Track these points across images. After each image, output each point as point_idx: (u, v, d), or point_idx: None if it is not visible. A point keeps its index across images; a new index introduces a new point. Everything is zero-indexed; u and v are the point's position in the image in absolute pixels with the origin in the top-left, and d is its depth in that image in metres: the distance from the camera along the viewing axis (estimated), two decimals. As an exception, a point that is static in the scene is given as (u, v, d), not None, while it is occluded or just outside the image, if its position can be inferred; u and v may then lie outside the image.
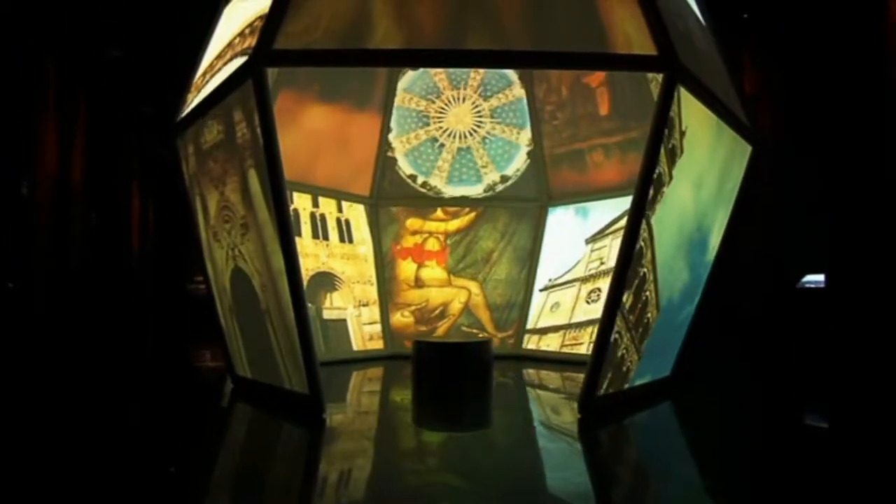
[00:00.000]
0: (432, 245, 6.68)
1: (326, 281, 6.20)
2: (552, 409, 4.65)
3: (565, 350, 6.20)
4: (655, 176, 3.88)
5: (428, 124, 6.50)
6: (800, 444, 3.66)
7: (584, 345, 6.11)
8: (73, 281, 9.51)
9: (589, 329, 6.13)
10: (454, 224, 6.71)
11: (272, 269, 3.92)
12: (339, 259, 6.36)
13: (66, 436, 3.66)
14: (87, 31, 9.86)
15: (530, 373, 5.83)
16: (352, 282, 6.38)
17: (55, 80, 9.37)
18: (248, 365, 4.69)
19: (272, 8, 3.85)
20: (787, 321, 8.41)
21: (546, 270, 6.69)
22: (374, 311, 6.52)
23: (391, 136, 6.47)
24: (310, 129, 6.12)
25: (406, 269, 6.69)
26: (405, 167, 6.52)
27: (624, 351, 4.11)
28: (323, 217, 6.33)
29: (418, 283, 6.66)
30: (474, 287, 6.65)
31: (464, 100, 6.47)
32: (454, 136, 6.56)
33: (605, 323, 3.80)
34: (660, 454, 3.53)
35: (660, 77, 3.81)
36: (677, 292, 4.57)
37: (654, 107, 3.79)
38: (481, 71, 6.44)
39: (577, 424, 3.83)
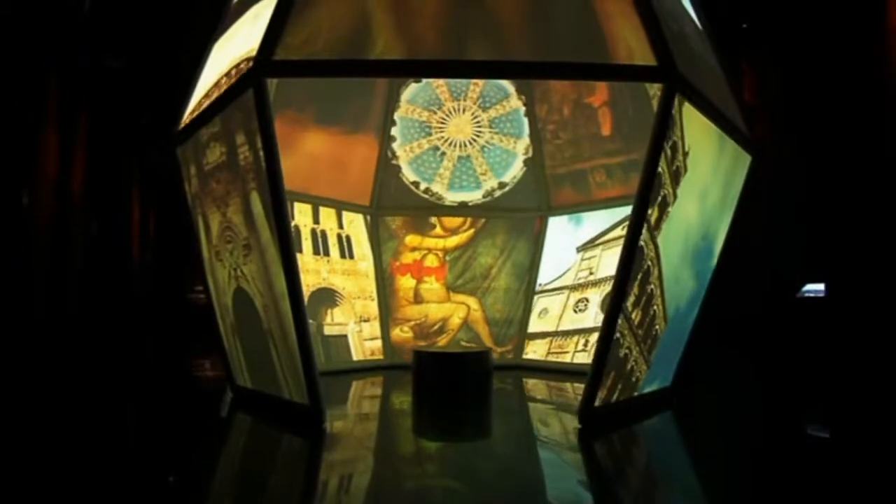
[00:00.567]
0: (431, 261, 6.79)
1: (327, 297, 6.26)
2: (552, 419, 4.64)
3: (551, 358, 6.32)
4: (660, 197, 3.95)
5: (430, 134, 6.70)
6: (801, 453, 3.65)
7: (569, 354, 6.22)
8: (74, 290, 9.52)
9: (575, 338, 6.23)
10: (453, 241, 6.83)
11: (275, 290, 3.94)
12: (340, 275, 6.43)
13: (66, 444, 3.65)
14: (89, 41, 9.90)
15: (529, 383, 5.82)
16: (352, 297, 6.45)
17: (56, 89, 9.41)
18: (251, 381, 4.68)
19: (272, 20, 3.86)
20: (787, 331, 8.41)
21: (539, 276, 6.81)
22: (374, 327, 6.58)
23: (395, 146, 6.67)
24: (309, 143, 6.18)
25: (405, 284, 6.78)
26: (409, 174, 6.70)
27: (633, 363, 4.19)
28: (324, 233, 6.40)
29: (417, 298, 6.75)
30: (473, 303, 6.74)
31: (464, 111, 6.67)
32: (455, 145, 6.75)
33: (605, 336, 3.81)
34: (659, 465, 3.53)
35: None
36: (684, 301, 4.66)
37: (654, 117, 3.80)
38: (480, 83, 6.62)
39: (576, 435, 3.82)
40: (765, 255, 9.15)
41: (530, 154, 6.68)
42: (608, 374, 3.95)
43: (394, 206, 6.89)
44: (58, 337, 8.66)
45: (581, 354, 6.14)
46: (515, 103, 6.65)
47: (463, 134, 6.71)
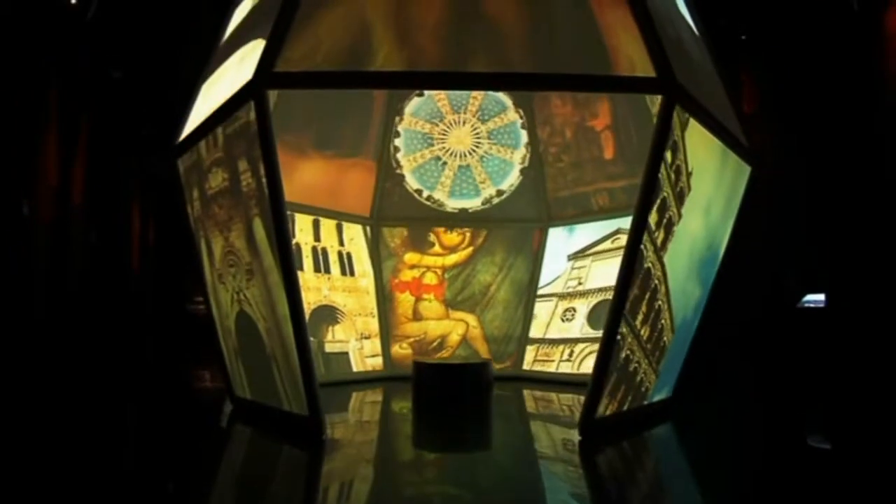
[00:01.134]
0: (430, 279, 6.90)
1: (328, 314, 6.31)
2: (552, 430, 4.64)
3: (537, 367, 6.48)
4: (665, 219, 4.03)
5: (432, 145, 6.95)
6: (803, 465, 3.64)
7: (553, 362, 6.36)
8: (73, 300, 9.51)
9: (560, 347, 6.38)
10: (452, 259, 6.95)
11: (277, 315, 3.97)
12: (341, 292, 6.48)
13: (65, 454, 3.65)
14: (90, 51, 9.94)
15: (529, 394, 5.81)
16: (353, 315, 6.51)
17: (57, 99, 9.44)
18: (250, 393, 4.68)
19: (272, 34, 3.87)
20: (788, 341, 8.40)
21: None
22: (375, 344, 6.65)
23: (399, 156, 6.91)
24: (308, 165, 6.32)
25: (404, 302, 6.87)
26: (412, 182, 6.92)
27: (643, 375, 4.28)
28: (324, 251, 6.46)
29: (416, 315, 6.85)
30: (472, 320, 6.84)
31: (464, 123, 6.92)
32: (455, 155, 6.98)
33: (604, 351, 3.83)
34: (658, 478, 3.53)
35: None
36: (690, 309, 4.77)
37: (654, 129, 3.81)
38: (479, 97, 6.86)
39: (576, 447, 3.81)
40: (765, 266, 9.15)
41: (526, 163, 6.92)
42: (618, 386, 4.04)
43: (395, 217, 7.01)
44: (57, 345, 8.65)
45: (566, 364, 6.28)
46: (512, 116, 6.89)
47: (463, 145, 6.95)
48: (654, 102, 4.50)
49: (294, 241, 6.02)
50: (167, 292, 11.26)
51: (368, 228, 6.92)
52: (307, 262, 6.24)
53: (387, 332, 6.73)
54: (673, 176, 3.99)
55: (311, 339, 4.78)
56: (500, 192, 6.94)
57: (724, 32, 9.13)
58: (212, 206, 4.58)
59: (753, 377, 7.28)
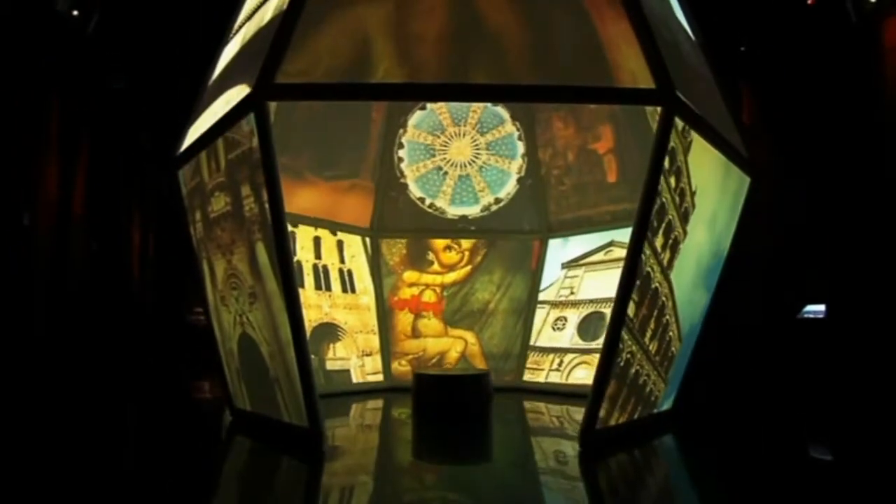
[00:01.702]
0: (429, 297, 7.04)
1: (329, 332, 6.37)
2: (552, 441, 4.63)
3: (528, 377, 6.64)
4: (671, 239, 4.11)
5: (434, 155, 7.25)
6: (805, 477, 3.63)
7: (543, 371, 6.52)
8: (74, 309, 9.50)
9: (550, 356, 6.55)
10: (450, 277, 7.10)
11: (280, 340, 3.99)
12: (342, 309, 6.55)
13: (64, 464, 3.64)
14: (91, 62, 9.97)
15: (529, 405, 5.81)
16: (354, 332, 6.59)
17: (57, 110, 9.46)
18: (250, 405, 4.68)
19: (272, 46, 3.87)
20: (788, 352, 8.38)
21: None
22: (376, 361, 6.72)
23: (403, 166, 7.18)
24: (308, 180, 6.45)
25: (403, 319, 6.99)
26: (415, 191, 7.20)
27: (653, 385, 4.39)
28: (325, 268, 6.53)
29: (415, 333, 6.96)
30: (470, 337, 6.96)
31: (464, 135, 7.23)
32: (456, 166, 7.27)
33: (604, 362, 3.85)
34: (658, 489, 3.51)
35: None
36: (697, 317, 4.88)
37: (653, 141, 3.83)
38: (479, 111, 7.15)
39: (576, 458, 3.80)
40: (764, 277, 9.14)
41: (523, 173, 7.21)
42: (629, 398, 4.12)
43: (395, 227, 7.18)
44: (58, 356, 8.63)
45: (555, 374, 6.42)
46: (510, 128, 7.19)
47: (463, 155, 7.23)
48: (657, 122, 4.54)
49: (295, 259, 6.07)
50: (167, 302, 11.25)
51: (368, 241, 7.02)
52: (308, 279, 6.31)
53: (387, 349, 6.81)
54: (677, 199, 4.08)
55: (313, 356, 4.82)
56: (498, 200, 7.22)
57: (722, 43, 9.16)
58: (214, 228, 4.61)
59: (754, 389, 7.26)
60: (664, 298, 4.23)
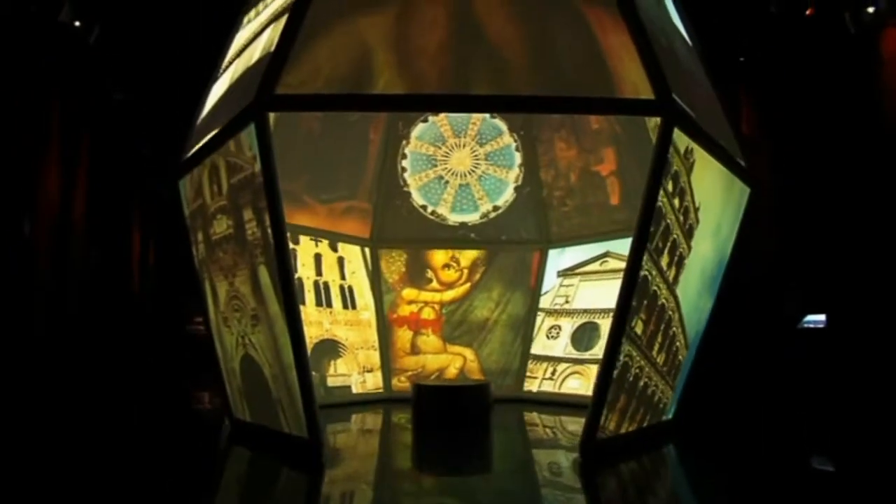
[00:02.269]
0: (428, 314, 7.13)
1: (330, 348, 6.41)
2: (552, 452, 4.61)
3: (526, 387, 6.70)
4: (676, 256, 4.16)
5: (435, 165, 7.48)
6: (807, 488, 3.62)
7: (536, 380, 6.61)
8: (73, 319, 9.50)
9: (544, 365, 6.64)
10: (449, 294, 7.19)
11: (283, 362, 4.00)
12: (343, 325, 6.59)
13: (65, 474, 3.64)
14: (91, 72, 10.01)
15: (529, 416, 5.80)
16: (355, 348, 6.63)
17: (58, 119, 9.48)
18: (250, 416, 4.67)
19: (272, 58, 3.88)
20: (788, 362, 8.36)
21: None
22: (377, 377, 6.76)
23: (406, 175, 7.40)
24: (306, 203, 6.55)
25: (402, 336, 7.06)
26: (418, 199, 7.42)
27: (661, 394, 4.46)
28: (326, 285, 6.57)
29: (414, 349, 7.02)
30: (469, 354, 7.02)
31: (464, 146, 7.47)
32: (456, 175, 7.49)
33: (604, 373, 3.86)
34: (658, 499, 3.49)
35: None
36: (703, 322, 4.93)
37: (652, 151, 3.84)
38: (478, 123, 7.38)
39: (577, 468, 3.79)
40: (765, 287, 9.14)
41: (520, 182, 7.42)
42: (638, 408, 4.19)
43: (395, 237, 7.29)
44: (57, 365, 8.62)
45: (548, 382, 6.51)
46: (508, 140, 7.41)
47: (463, 165, 7.45)
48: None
49: (296, 276, 6.09)
50: (167, 312, 11.24)
51: (368, 253, 7.09)
52: (309, 296, 6.35)
53: (388, 366, 6.86)
54: (681, 217, 4.14)
55: (313, 373, 4.81)
56: (496, 208, 7.44)
57: (722, 54, 9.19)
58: (216, 250, 4.64)
59: (755, 399, 7.24)
60: (671, 312, 4.32)
